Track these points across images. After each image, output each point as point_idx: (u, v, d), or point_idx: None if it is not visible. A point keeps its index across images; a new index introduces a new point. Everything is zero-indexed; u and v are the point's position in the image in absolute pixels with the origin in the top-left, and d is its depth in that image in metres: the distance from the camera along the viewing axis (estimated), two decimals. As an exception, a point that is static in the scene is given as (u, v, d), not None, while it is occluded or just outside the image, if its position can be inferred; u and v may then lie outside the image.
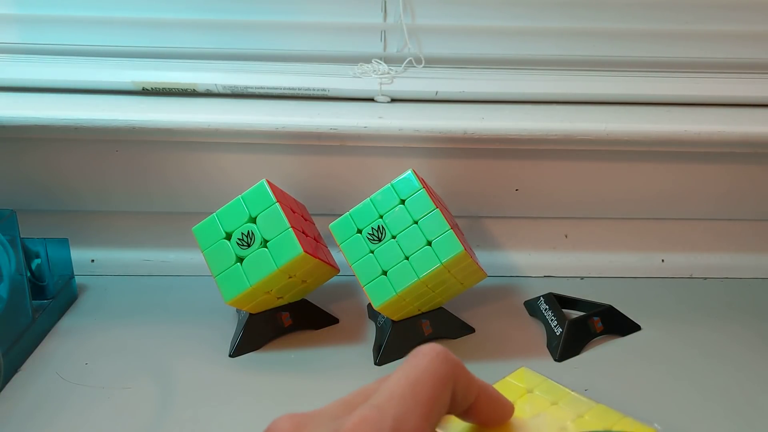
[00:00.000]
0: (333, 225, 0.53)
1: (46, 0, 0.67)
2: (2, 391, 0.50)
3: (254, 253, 0.51)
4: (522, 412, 0.31)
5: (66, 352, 0.54)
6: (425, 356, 0.26)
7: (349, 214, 0.53)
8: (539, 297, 0.60)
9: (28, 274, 0.55)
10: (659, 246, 0.68)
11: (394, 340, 0.54)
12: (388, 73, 0.66)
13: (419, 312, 0.54)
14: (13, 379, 0.51)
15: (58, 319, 0.58)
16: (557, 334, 0.55)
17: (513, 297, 0.63)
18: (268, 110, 0.63)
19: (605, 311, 0.57)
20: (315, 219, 0.60)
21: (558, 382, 0.34)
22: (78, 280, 0.62)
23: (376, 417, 0.23)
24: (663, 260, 0.68)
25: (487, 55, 0.70)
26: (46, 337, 0.56)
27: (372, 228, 0.52)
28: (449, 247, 0.50)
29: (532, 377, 0.36)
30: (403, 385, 0.25)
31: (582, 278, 0.67)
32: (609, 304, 0.58)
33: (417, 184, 0.52)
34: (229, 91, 0.65)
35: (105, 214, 0.68)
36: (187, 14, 0.68)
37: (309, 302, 0.57)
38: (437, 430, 0.25)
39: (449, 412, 0.27)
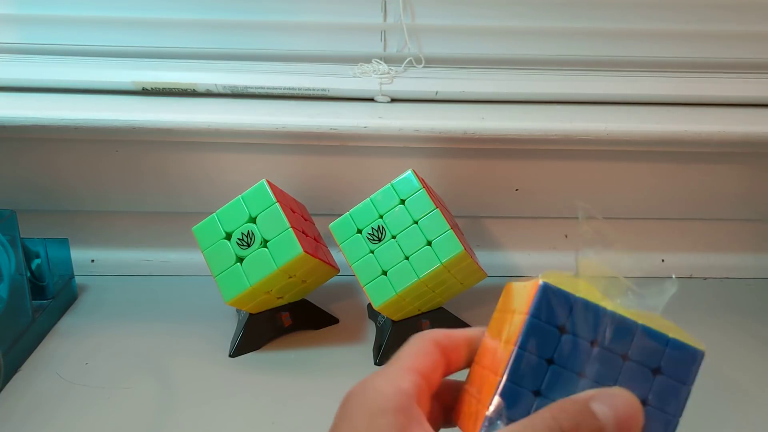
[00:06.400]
0: (333, 225, 0.53)
1: (46, 0, 0.67)
2: (2, 391, 0.50)
3: (254, 253, 0.51)
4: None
5: (66, 352, 0.54)
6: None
7: (349, 214, 0.53)
8: (539, 297, 0.60)
9: (28, 274, 0.55)
10: (659, 246, 0.68)
11: (394, 339, 0.54)
12: (388, 73, 0.66)
13: (419, 312, 0.54)
14: (13, 379, 0.51)
15: (58, 319, 0.58)
16: (557, 334, 0.55)
17: (513, 297, 0.63)
18: (268, 110, 0.62)
19: (605, 311, 0.57)
20: (315, 219, 0.60)
21: None
22: (78, 280, 0.62)
23: None
24: (663, 260, 0.67)
25: (487, 55, 0.70)
26: (46, 337, 0.56)
27: (372, 228, 0.52)
28: (449, 247, 0.50)
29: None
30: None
31: (582, 278, 0.67)
32: (609, 304, 0.58)
33: (417, 184, 0.52)
34: (229, 91, 0.65)
35: (105, 214, 0.68)
36: (187, 14, 0.68)
37: (309, 302, 0.57)
38: None
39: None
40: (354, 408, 0.26)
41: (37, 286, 0.57)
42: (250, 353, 0.55)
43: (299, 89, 0.65)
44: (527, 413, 0.24)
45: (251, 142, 0.63)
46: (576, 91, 0.66)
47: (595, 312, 0.26)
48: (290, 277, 0.52)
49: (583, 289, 0.26)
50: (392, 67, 0.67)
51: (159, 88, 0.65)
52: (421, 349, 0.28)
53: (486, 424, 0.25)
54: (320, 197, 0.65)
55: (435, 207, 0.51)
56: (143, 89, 0.65)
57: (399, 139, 0.62)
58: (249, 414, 0.48)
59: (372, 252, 0.51)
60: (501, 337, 0.27)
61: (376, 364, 0.53)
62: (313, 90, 0.65)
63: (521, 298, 0.27)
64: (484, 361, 0.28)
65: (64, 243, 0.59)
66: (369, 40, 0.69)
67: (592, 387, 0.25)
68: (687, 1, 0.67)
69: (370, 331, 0.58)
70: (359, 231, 0.52)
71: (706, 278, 0.67)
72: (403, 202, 0.52)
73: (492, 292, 0.64)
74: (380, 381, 0.27)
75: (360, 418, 0.25)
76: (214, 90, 0.65)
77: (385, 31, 0.69)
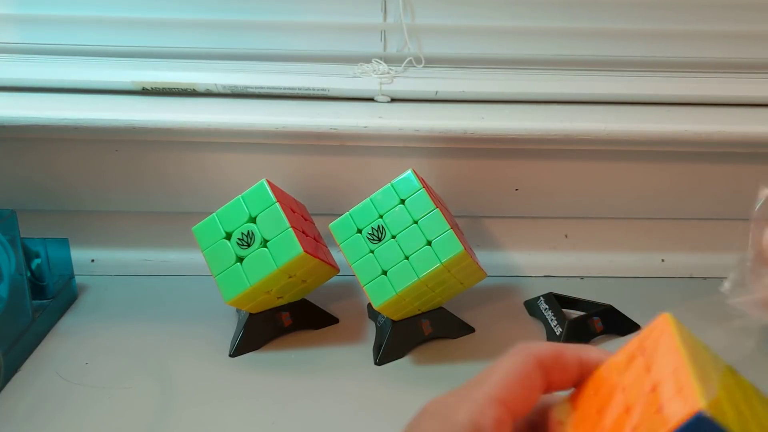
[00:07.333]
0: (333, 225, 0.53)
1: (46, 0, 0.67)
2: (2, 391, 0.50)
3: (254, 253, 0.51)
4: None
5: (66, 352, 0.54)
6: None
7: (349, 214, 0.53)
8: (539, 297, 0.60)
9: (28, 274, 0.55)
10: (659, 246, 0.68)
11: (394, 339, 0.54)
12: (388, 73, 0.66)
13: (419, 312, 0.54)
14: (13, 379, 0.51)
15: (58, 319, 0.58)
16: (557, 333, 0.55)
17: (513, 297, 0.63)
18: (268, 110, 0.63)
19: (605, 311, 0.57)
20: (315, 219, 0.60)
21: None
22: (78, 280, 0.62)
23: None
24: (663, 260, 0.67)
25: (487, 55, 0.70)
26: (46, 337, 0.56)
27: (372, 228, 0.52)
28: (449, 246, 0.50)
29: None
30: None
31: (582, 278, 0.67)
32: (609, 304, 0.58)
33: (417, 183, 0.52)
34: (229, 91, 0.65)
35: (105, 214, 0.68)
36: (187, 14, 0.68)
37: (309, 302, 0.57)
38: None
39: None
40: (424, 430, 0.25)
41: (37, 286, 0.57)
42: (250, 353, 0.55)
43: (299, 89, 0.65)
44: None
45: (251, 142, 0.63)
46: (576, 91, 0.66)
47: None
48: (290, 277, 0.52)
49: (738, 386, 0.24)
50: (392, 67, 0.67)
51: (159, 88, 0.65)
52: (517, 371, 0.25)
53: None
54: (320, 197, 0.65)
55: (435, 207, 0.51)
56: (143, 89, 0.65)
57: (399, 139, 0.62)
58: (249, 414, 0.48)
59: (372, 252, 0.51)
60: (628, 409, 0.24)
61: (376, 364, 0.53)
62: (313, 90, 0.65)
63: (672, 390, 0.23)
64: (602, 410, 0.25)
65: (64, 243, 0.59)
66: (369, 40, 0.69)
67: None
68: (687, 1, 0.67)
69: (370, 331, 0.58)
70: (359, 231, 0.52)
71: (706, 278, 0.67)
72: (403, 201, 0.52)
73: (492, 292, 0.64)
74: (460, 409, 0.24)
75: None
76: (214, 90, 0.65)
77: (385, 31, 0.69)
